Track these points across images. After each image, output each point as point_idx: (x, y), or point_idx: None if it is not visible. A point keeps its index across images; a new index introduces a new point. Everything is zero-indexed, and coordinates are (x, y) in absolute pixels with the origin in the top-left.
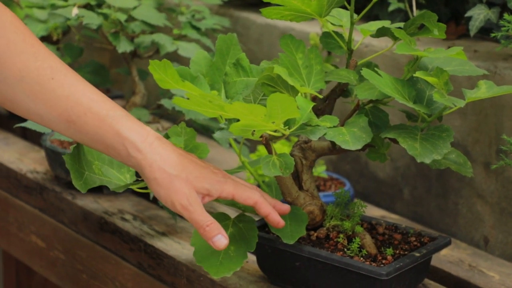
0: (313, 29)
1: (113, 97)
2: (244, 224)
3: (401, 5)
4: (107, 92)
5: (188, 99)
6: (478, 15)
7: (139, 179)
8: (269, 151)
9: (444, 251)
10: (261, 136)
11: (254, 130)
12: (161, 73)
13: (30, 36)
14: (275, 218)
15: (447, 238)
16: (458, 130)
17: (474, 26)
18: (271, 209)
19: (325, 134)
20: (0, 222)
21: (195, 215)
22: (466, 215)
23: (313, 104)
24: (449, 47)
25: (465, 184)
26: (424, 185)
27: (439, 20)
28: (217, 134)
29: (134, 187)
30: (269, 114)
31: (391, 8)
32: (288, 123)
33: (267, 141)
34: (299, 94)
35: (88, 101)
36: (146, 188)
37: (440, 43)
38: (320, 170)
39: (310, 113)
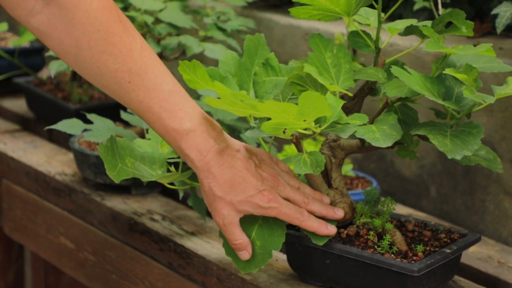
0: (337, 29)
1: None
2: (274, 221)
3: (426, 3)
4: None
5: (219, 98)
6: (505, 12)
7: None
8: (300, 149)
9: (472, 248)
10: (291, 135)
11: (285, 129)
12: (191, 73)
13: (114, 33)
14: (321, 232)
15: (477, 234)
16: (485, 127)
17: (500, 24)
18: (316, 227)
19: (355, 132)
20: (29, 224)
21: (226, 233)
22: (493, 212)
23: (343, 102)
24: (474, 45)
25: (492, 181)
26: (450, 182)
27: None
28: (247, 133)
29: (165, 182)
30: (301, 112)
31: (416, 7)
32: (318, 121)
33: (297, 140)
34: (328, 92)
35: (159, 110)
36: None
37: (465, 41)
38: (347, 168)
39: (340, 111)
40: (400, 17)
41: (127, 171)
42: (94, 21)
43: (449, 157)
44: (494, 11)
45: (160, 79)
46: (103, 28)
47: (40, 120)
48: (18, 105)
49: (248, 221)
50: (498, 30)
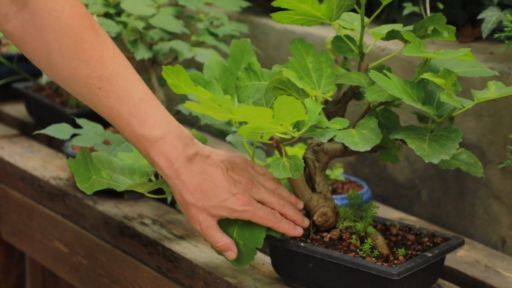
0: (330, 34)
1: None
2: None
3: (416, 8)
4: None
5: (198, 103)
6: (491, 17)
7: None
8: (280, 153)
9: (460, 252)
10: (272, 139)
11: (262, 133)
12: (174, 78)
13: (85, 40)
14: (291, 233)
15: (460, 238)
16: (473, 132)
17: (486, 28)
18: (287, 228)
19: (335, 136)
20: (25, 228)
21: (207, 238)
22: (483, 216)
23: (321, 106)
24: None
25: (481, 185)
26: (441, 187)
27: (455, 23)
28: (229, 138)
29: (141, 190)
30: (277, 117)
31: (405, 12)
32: (298, 125)
33: (278, 144)
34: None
35: (129, 116)
36: (156, 192)
37: (456, 46)
38: (338, 173)
39: (320, 116)
40: (394, 22)
41: (101, 182)
42: (65, 28)
43: (426, 161)
44: (480, 16)
45: (131, 86)
46: (74, 34)
47: (39, 124)
48: (18, 110)
49: (227, 223)
50: (484, 35)
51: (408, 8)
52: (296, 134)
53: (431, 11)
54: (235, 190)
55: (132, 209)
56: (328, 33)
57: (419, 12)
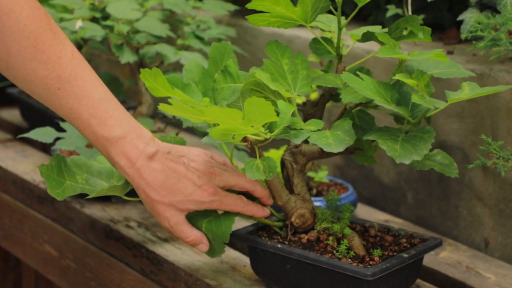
0: None
1: (128, 109)
2: (223, 214)
3: (399, 10)
4: (123, 103)
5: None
6: (469, 18)
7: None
8: (255, 155)
9: (443, 254)
10: (246, 140)
11: (234, 134)
12: (152, 81)
13: (43, 41)
14: (259, 215)
15: (438, 239)
16: (456, 133)
17: (465, 30)
18: (255, 211)
19: (308, 137)
20: (16, 232)
21: (177, 233)
22: (466, 217)
23: (294, 107)
24: (448, 52)
25: (464, 186)
26: (426, 188)
27: (441, 25)
28: (204, 139)
29: (118, 194)
30: (247, 118)
31: (389, 14)
32: (271, 127)
33: (252, 145)
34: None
35: (89, 117)
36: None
37: (441, 48)
38: (322, 175)
39: (295, 117)
40: (381, 23)
41: (75, 187)
42: (23, 29)
43: (397, 161)
44: (459, 17)
45: (90, 86)
46: (32, 36)
47: (33, 129)
48: (14, 115)
49: (194, 220)
50: (463, 36)
51: (392, 10)
52: (268, 136)
53: (417, 13)
54: (200, 182)
55: (119, 212)
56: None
57: (402, 14)
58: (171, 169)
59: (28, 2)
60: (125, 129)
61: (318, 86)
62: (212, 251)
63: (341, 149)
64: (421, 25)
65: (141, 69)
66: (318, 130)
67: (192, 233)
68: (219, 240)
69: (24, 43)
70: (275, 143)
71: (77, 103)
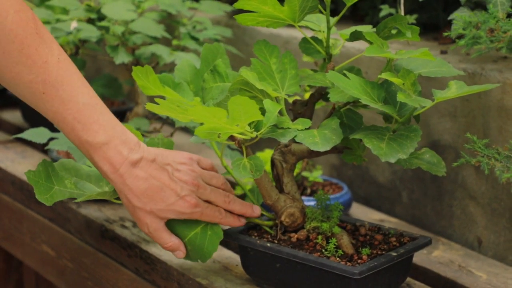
0: None
1: (127, 110)
2: (211, 230)
3: (392, 10)
4: (122, 104)
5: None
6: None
7: None
8: (243, 153)
9: (436, 253)
10: (234, 139)
11: (219, 133)
12: (143, 79)
13: (29, 45)
14: (236, 225)
15: (427, 238)
16: (448, 132)
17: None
18: (232, 221)
19: (295, 136)
20: (15, 232)
21: (156, 239)
22: (460, 216)
23: (280, 106)
24: (441, 51)
25: (457, 186)
26: (420, 188)
27: (437, 25)
28: (192, 139)
29: (108, 198)
30: (232, 117)
31: (382, 13)
32: (258, 125)
33: (240, 144)
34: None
35: (73, 121)
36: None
37: (435, 47)
38: (316, 174)
39: (283, 116)
40: (377, 23)
41: (63, 192)
42: (9, 33)
43: (383, 160)
44: (450, 17)
45: (76, 91)
46: (18, 40)
47: None
48: (16, 116)
49: (187, 226)
50: (453, 35)
51: (385, 10)
52: (254, 134)
53: (413, 13)
54: (183, 193)
55: (115, 212)
56: None
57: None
58: (155, 177)
59: (14, 6)
60: (109, 134)
61: (310, 86)
62: (187, 257)
63: (328, 148)
64: (415, 25)
65: (133, 67)
66: (306, 129)
67: (171, 240)
68: (197, 256)
69: (9, 48)
70: (271, 143)
71: (62, 107)
